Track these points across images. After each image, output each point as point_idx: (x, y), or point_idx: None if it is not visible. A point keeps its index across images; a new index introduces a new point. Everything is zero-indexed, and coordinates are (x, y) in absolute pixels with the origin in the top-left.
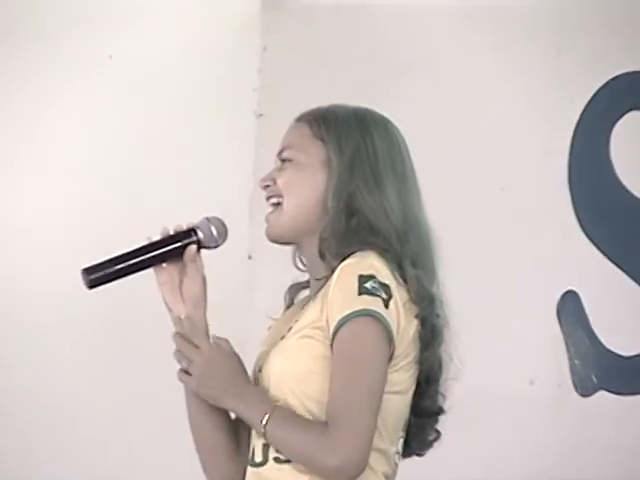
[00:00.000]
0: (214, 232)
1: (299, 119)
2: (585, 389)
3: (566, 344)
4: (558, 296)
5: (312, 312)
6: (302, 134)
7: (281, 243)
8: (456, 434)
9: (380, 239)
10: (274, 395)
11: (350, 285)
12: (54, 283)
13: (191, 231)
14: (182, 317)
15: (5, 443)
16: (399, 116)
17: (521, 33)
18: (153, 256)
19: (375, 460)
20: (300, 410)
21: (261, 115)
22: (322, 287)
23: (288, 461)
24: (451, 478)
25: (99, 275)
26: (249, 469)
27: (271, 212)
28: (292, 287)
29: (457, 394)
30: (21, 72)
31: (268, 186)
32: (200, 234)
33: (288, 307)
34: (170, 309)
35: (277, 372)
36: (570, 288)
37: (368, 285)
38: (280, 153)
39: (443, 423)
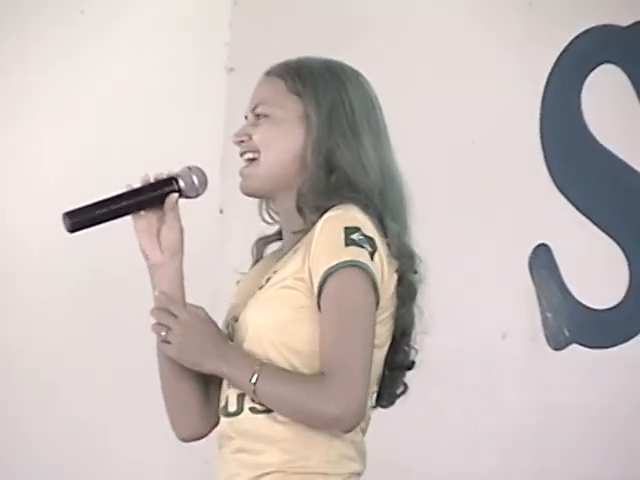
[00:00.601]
0: (195, 181)
1: (270, 73)
2: (557, 342)
3: (538, 297)
4: (530, 249)
5: (293, 264)
6: (276, 89)
7: (256, 197)
8: (427, 388)
9: (362, 195)
10: (252, 346)
11: (336, 236)
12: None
13: (172, 179)
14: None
15: None
16: (370, 70)
17: None
18: (134, 203)
19: None
20: (280, 361)
21: (232, 69)
22: (299, 240)
23: (265, 411)
24: (422, 434)
25: (80, 219)
26: (222, 419)
27: (246, 166)
28: (259, 241)
29: (429, 348)
30: None
31: (242, 141)
32: (181, 183)
33: (257, 261)
34: (147, 257)
35: (256, 323)
36: (542, 241)
37: (354, 237)
38: (254, 109)
39: (414, 377)
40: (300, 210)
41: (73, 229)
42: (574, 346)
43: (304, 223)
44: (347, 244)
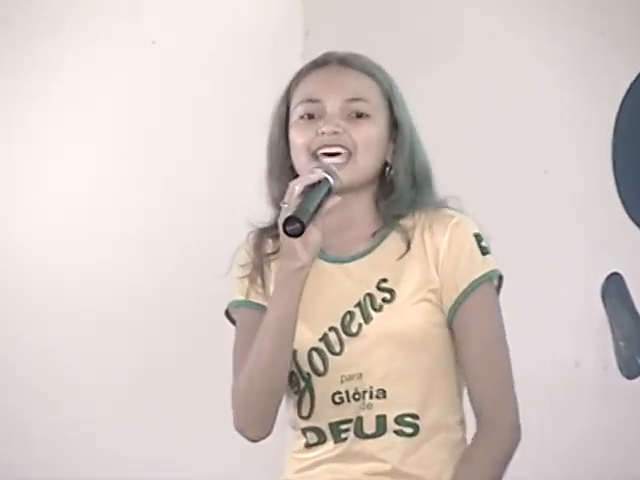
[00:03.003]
0: (338, 177)
1: (361, 69)
2: (630, 371)
3: (611, 326)
4: (602, 278)
5: (414, 272)
6: (373, 89)
7: (346, 191)
8: None
9: (444, 201)
10: (387, 358)
11: (470, 246)
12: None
13: (326, 179)
14: (299, 266)
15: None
16: (440, 99)
17: (566, 16)
18: (321, 201)
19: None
20: (416, 374)
21: None
22: (378, 243)
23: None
24: None
25: (304, 221)
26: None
27: (344, 162)
28: (260, 232)
29: None
30: (61, 55)
31: (337, 133)
32: (332, 181)
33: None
34: (298, 258)
35: (397, 334)
36: (614, 270)
37: (484, 244)
38: (352, 101)
39: None
40: (389, 213)
41: (301, 232)
42: None
43: (384, 226)
44: (483, 253)
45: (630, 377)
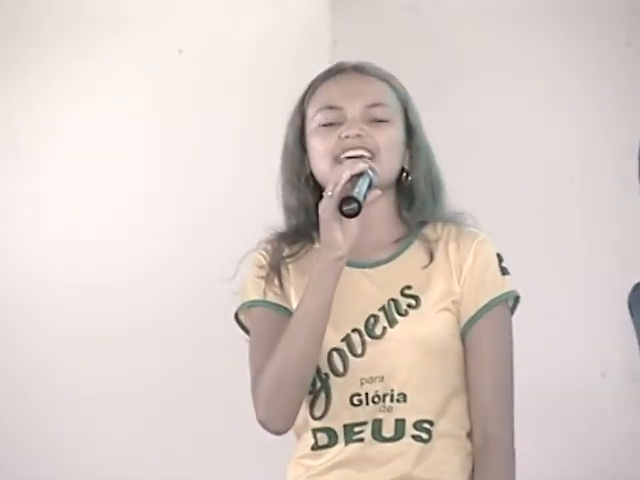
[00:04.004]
0: (378, 174)
1: (375, 75)
2: None
3: (638, 337)
4: (629, 287)
5: (440, 282)
6: (390, 95)
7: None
8: (524, 430)
9: (459, 212)
10: (411, 365)
11: (494, 265)
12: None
13: (366, 173)
14: (339, 255)
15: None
16: (466, 112)
17: (591, 26)
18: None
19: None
20: (437, 381)
21: None
22: (401, 250)
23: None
24: (517, 476)
25: (360, 201)
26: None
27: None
28: (282, 237)
29: (528, 384)
30: (89, 66)
31: (360, 136)
32: (371, 174)
33: (286, 256)
34: (339, 248)
35: (423, 340)
36: None
37: (504, 265)
38: (372, 106)
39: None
40: (402, 220)
41: (358, 212)
42: None
43: (406, 233)
44: (503, 273)
45: None
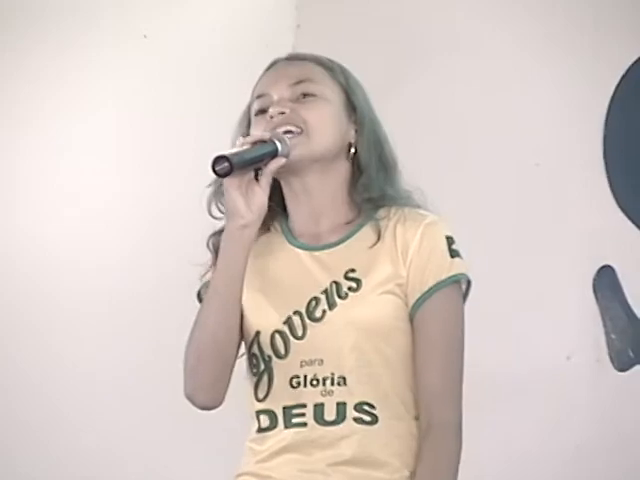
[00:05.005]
0: (288, 144)
1: (303, 58)
2: (622, 363)
3: (603, 319)
4: (594, 271)
5: (384, 266)
6: (321, 73)
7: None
8: (491, 412)
9: (413, 194)
10: (350, 347)
11: (441, 247)
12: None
13: (272, 141)
14: (242, 223)
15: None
16: (432, 95)
17: (557, 8)
18: (262, 155)
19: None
20: (379, 364)
21: None
22: (353, 232)
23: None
24: (487, 457)
25: (234, 162)
26: (315, 427)
27: (294, 137)
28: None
29: (493, 370)
30: (53, 51)
31: (283, 113)
32: (279, 145)
33: None
34: (242, 216)
35: (362, 323)
36: (606, 263)
37: (455, 247)
38: (297, 83)
39: (478, 399)
40: (359, 202)
41: (229, 172)
42: (639, 367)
43: (358, 216)
44: (452, 255)
45: (622, 369)
